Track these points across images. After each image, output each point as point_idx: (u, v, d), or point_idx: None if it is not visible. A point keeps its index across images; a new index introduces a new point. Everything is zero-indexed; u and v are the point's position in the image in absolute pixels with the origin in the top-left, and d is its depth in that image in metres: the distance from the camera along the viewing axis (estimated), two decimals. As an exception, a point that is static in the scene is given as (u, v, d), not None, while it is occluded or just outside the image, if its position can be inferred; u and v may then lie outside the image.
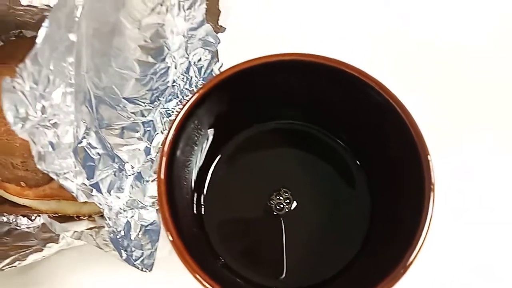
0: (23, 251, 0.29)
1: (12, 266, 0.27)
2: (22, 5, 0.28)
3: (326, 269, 0.25)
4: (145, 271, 0.25)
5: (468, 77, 0.36)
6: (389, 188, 0.22)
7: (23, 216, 0.34)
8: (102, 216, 0.32)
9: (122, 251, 0.24)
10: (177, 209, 0.20)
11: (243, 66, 0.20)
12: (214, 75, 0.32)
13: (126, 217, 0.26)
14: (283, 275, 0.25)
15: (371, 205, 0.24)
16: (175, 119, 0.20)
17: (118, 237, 0.25)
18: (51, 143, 0.21)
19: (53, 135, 0.21)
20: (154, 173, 0.30)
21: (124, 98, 0.25)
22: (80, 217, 0.32)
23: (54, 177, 0.22)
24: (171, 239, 0.18)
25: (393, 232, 0.21)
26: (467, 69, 0.36)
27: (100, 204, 0.24)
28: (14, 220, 0.34)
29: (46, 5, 0.29)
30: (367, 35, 0.37)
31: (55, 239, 0.29)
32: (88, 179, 0.24)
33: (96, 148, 0.25)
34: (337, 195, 0.25)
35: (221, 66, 0.32)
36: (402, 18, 0.38)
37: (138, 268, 0.25)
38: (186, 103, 0.20)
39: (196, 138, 0.24)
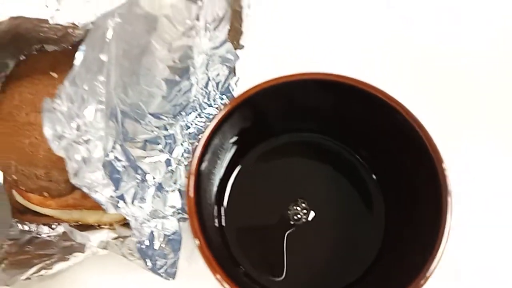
0: (48, 260, 0.30)
1: (39, 275, 0.28)
2: (49, 24, 0.29)
3: (342, 279, 0.26)
4: (169, 279, 0.26)
5: (471, 82, 0.37)
6: (405, 201, 0.23)
7: (44, 224, 0.35)
8: (122, 225, 0.33)
9: (148, 260, 0.25)
10: (204, 222, 0.21)
11: (269, 84, 0.21)
12: (231, 89, 0.33)
13: (150, 227, 0.27)
14: (301, 285, 0.26)
15: (387, 217, 0.25)
16: (203, 136, 0.21)
17: (143, 246, 0.26)
18: (83, 159, 0.22)
19: (85, 150, 0.22)
20: (174, 183, 0.31)
21: (149, 113, 0.26)
22: (101, 226, 0.33)
23: (86, 191, 0.23)
24: (202, 252, 0.19)
25: (410, 243, 0.22)
26: (470, 74, 0.37)
27: (126, 215, 0.25)
28: (35, 229, 0.35)
29: (71, 23, 0.30)
30: (375, 45, 0.38)
31: (79, 248, 0.30)
32: (114, 191, 0.25)
33: (121, 160, 0.27)
34: (353, 207, 0.26)
35: (237, 80, 0.33)
36: (406, 24, 0.39)
37: (162, 276, 0.26)
38: (213, 119, 0.21)
39: (219, 152, 0.25)
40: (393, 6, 0.40)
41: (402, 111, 0.19)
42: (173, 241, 0.28)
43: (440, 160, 0.20)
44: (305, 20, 0.39)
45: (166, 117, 0.27)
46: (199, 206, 0.21)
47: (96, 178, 0.24)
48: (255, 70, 0.34)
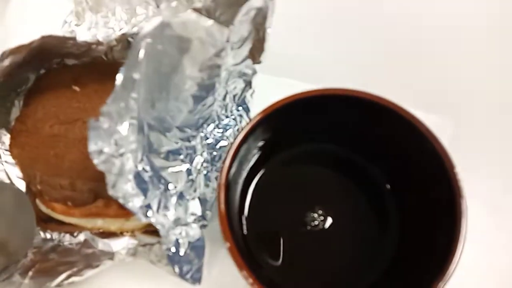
0: (76, 267, 0.31)
1: (69, 282, 0.29)
2: (75, 40, 0.31)
3: (356, 284, 0.28)
4: (195, 284, 0.27)
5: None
6: (419, 209, 0.25)
7: (66, 233, 0.36)
8: (143, 232, 0.35)
9: (175, 266, 0.27)
10: (233, 228, 0.23)
11: (292, 98, 0.23)
12: (246, 101, 0.35)
13: (175, 234, 0.28)
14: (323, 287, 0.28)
15: (401, 225, 0.27)
16: (231, 149, 0.23)
17: (170, 253, 0.27)
18: (119, 171, 0.23)
19: (120, 163, 0.23)
20: (194, 191, 0.32)
21: (176, 126, 0.28)
22: (123, 233, 0.35)
23: (122, 201, 0.24)
24: (232, 254, 0.20)
25: (426, 250, 0.23)
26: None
27: (155, 223, 0.26)
28: (57, 237, 0.36)
29: (96, 40, 0.32)
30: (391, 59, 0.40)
31: (106, 255, 0.31)
32: (143, 201, 0.26)
33: (147, 171, 0.28)
34: (368, 215, 0.28)
35: (253, 93, 0.35)
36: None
37: (188, 281, 0.27)
38: (240, 132, 0.23)
39: (243, 162, 0.26)
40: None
41: (415, 122, 0.21)
42: (197, 248, 0.29)
43: (452, 166, 0.21)
44: (315, 35, 0.40)
45: (190, 129, 0.29)
46: (229, 216, 0.22)
47: (127, 189, 0.25)
48: (269, 84, 0.36)
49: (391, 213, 0.27)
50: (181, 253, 0.28)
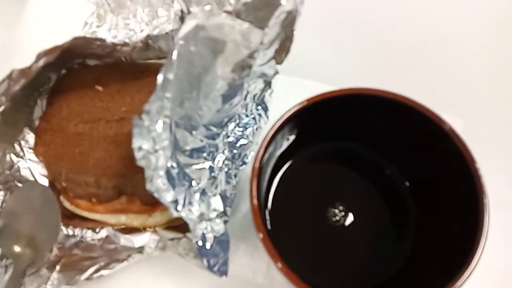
0: (104, 262, 0.32)
1: (100, 275, 0.30)
2: (104, 42, 0.32)
3: (372, 279, 0.29)
4: (222, 276, 0.28)
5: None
6: (439, 207, 0.26)
7: (88, 229, 0.37)
8: (165, 228, 0.36)
9: (204, 259, 0.28)
10: (265, 222, 0.24)
11: (320, 98, 0.24)
12: (265, 100, 0.36)
13: (201, 229, 0.29)
14: (334, 281, 0.29)
15: (419, 223, 0.28)
16: (261, 146, 0.24)
17: (197, 247, 0.28)
18: (154, 167, 0.24)
19: (155, 159, 0.24)
20: (215, 188, 0.33)
21: (203, 124, 0.29)
22: (146, 229, 0.36)
23: (156, 195, 0.25)
24: (266, 244, 0.22)
25: (444, 248, 0.24)
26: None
27: (185, 218, 0.27)
28: (79, 233, 0.37)
29: (123, 41, 0.33)
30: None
31: (134, 250, 0.32)
32: (173, 196, 0.27)
33: (175, 168, 0.29)
34: (387, 213, 0.29)
35: (271, 93, 0.36)
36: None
37: (216, 274, 0.28)
38: (270, 130, 0.24)
39: (270, 160, 0.27)
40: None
41: (439, 121, 0.22)
42: (222, 242, 0.30)
43: (474, 163, 0.22)
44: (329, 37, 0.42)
45: (215, 127, 0.30)
46: (260, 209, 0.23)
47: (159, 184, 0.26)
48: (284, 83, 0.37)
49: (409, 211, 0.29)
50: (208, 246, 0.29)
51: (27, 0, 0.47)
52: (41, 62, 0.28)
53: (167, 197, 0.27)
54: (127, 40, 0.33)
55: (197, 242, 0.28)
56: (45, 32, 0.46)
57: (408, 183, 0.29)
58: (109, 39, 0.32)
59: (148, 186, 0.24)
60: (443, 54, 0.43)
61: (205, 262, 0.28)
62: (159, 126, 0.24)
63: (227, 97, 0.27)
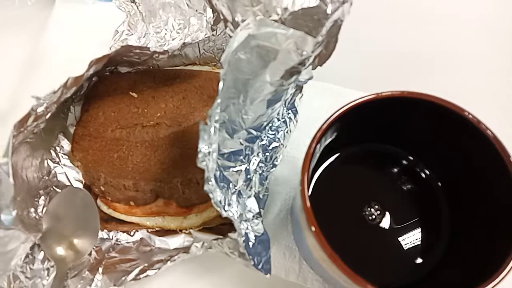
0: (148, 263, 0.33)
1: (145, 276, 0.31)
2: (148, 49, 0.33)
3: (407, 277, 0.30)
4: (266, 274, 0.29)
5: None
6: (473, 206, 0.28)
7: (123, 232, 0.38)
8: (200, 230, 0.37)
9: (249, 257, 0.29)
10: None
11: (369, 99, 0.25)
12: (296, 104, 0.37)
13: (242, 229, 0.31)
14: (379, 276, 0.30)
15: (452, 223, 0.29)
16: (308, 152, 0.25)
17: (245, 245, 0.29)
18: (210, 169, 0.26)
19: (210, 162, 0.26)
20: (249, 190, 0.35)
21: (245, 129, 0.30)
22: (182, 231, 0.37)
23: (210, 195, 0.26)
24: (318, 237, 0.23)
25: (480, 245, 0.26)
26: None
27: (232, 217, 0.28)
28: (114, 236, 0.37)
29: (162, 50, 0.34)
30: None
31: (184, 250, 0.33)
32: (220, 196, 0.28)
33: (217, 170, 0.30)
34: (421, 212, 0.31)
35: (301, 97, 0.37)
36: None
37: (261, 271, 0.29)
38: (317, 132, 0.25)
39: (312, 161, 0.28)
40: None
41: (471, 118, 0.24)
42: (263, 241, 0.31)
43: (508, 155, 0.24)
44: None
45: (256, 131, 0.31)
46: (314, 210, 0.25)
47: (212, 185, 0.27)
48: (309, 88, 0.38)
49: (442, 210, 0.30)
50: (250, 245, 0.30)
51: (52, 10, 0.48)
52: (92, 70, 0.29)
53: (217, 197, 0.28)
54: (166, 48, 0.34)
55: (243, 241, 0.29)
56: (70, 41, 0.47)
57: (441, 184, 0.30)
58: (153, 48, 0.33)
59: (206, 187, 0.25)
60: (442, 56, 0.45)
61: (250, 260, 0.29)
62: (212, 130, 0.25)
63: (271, 102, 0.28)
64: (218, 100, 0.23)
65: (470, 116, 0.25)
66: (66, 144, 0.38)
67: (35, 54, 0.46)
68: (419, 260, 0.30)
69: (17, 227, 0.26)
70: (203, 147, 0.24)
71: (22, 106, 0.42)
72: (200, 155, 0.24)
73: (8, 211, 0.25)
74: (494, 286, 0.22)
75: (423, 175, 0.31)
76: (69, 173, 0.38)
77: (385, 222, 0.31)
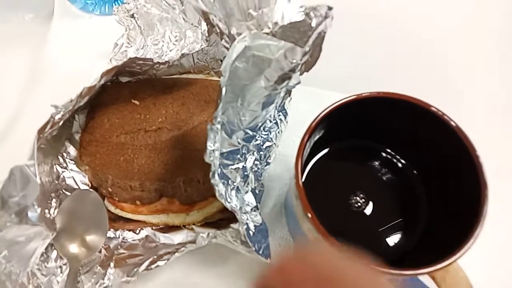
0: (156, 255, 0.36)
1: (155, 266, 0.34)
2: (152, 61, 0.36)
3: (396, 251, 0.34)
4: (267, 259, 0.33)
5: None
6: (444, 191, 0.32)
7: (129, 230, 0.40)
8: (202, 225, 0.40)
9: (251, 244, 0.32)
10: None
11: (352, 99, 0.29)
12: (286, 107, 0.41)
13: (243, 219, 0.34)
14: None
15: (429, 206, 0.34)
16: (300, 148, 0.29)
17: (246, 233, 0.32)
18: (215, 165, 0.29)
19: (214, 158, 0.29)
20: (246, 186, 0.38)
21: (242, 129, 0.33)
22: (186, 227, 0.40)
23: (215, 188, 0.30)
24: (315, 223, 0.27)
25: (452, 218, 0.30)
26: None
27: (234, 209, 0.32)
28: (120, 234, 0.40)
29: (163, 60, 0.37)
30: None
31: (171, 247, 0.36)
32: (222, 190, 0.32)
33: (219, 168, 0.33)
34: (401, 198, 0.35)
35: (290, 100, 0.41)
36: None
37: (262, 256, 0.33)
38: (307, 130, 0.29)
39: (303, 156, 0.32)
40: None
41: (436, 111, 0.28)
42: (262, 230, 0.35)
43: (469, 142, 0.28)
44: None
45: (251, 131, 0.35)
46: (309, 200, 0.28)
47: (217, 179, 0.30)
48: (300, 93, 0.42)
49: (420, 199, 0.34)
50: (251, 234, 0.34)
51: (50, 25, 0.51)
52: (103, 80, 0.32)
53: (221, 190, 0.31)
54: (166, 59, 0.37)
55: (245, 229, 0.32)
56: (69, 55, 0.49)
57: (417, 172, 0.34)
58: (156, 59, 0.36)
59: (212, 180, 0.28)
60: (435, 54, 0.49)
61: (252, 247, 0.32)
62: (216, 129, 0.29)
63: (266, 104, 0.32)
64: (221, 105, 0.27)
65: (435, 109, 0.30)
66: (72, 150, 0.41)
67: (37, 69, 0.48)
68: (399, 242, 0.34)
69: (41, 223, 0.28)
70: (210, 145, 0.27)
71: (24, 118, 0.45)
72: (208, 152, 0.27)
73: (34, 209, 0.28)
74: (456, 260, 0.26)
75: (400, 165, 0.35)
76: (76, 177, 0.41)
77: (369, 209, 0.35)
